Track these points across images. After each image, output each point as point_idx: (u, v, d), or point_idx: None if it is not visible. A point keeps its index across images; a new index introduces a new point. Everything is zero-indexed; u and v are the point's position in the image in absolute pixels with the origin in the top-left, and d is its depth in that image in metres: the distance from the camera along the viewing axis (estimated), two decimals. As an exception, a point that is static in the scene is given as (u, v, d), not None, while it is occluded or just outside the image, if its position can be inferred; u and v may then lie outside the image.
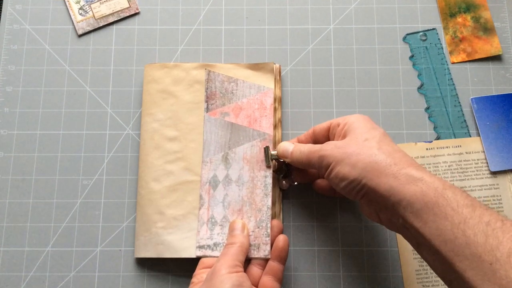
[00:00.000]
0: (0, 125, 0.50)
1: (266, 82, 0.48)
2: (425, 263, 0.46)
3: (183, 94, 0.48)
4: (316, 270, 0.46)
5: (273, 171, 0.46)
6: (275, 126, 0.47)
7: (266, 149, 0.45)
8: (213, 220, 0.45)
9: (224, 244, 0.43)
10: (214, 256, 0.44)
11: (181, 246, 0.44)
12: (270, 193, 0.45)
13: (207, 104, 0.48)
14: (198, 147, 0.47)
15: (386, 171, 0.36)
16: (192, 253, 0.44)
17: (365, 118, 0.41)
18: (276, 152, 0.45)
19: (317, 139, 0.45)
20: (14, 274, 0.47)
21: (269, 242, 0.43)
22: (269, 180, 0.45)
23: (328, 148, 0.39)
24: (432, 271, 0.45)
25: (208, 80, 0.48)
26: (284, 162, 0.46)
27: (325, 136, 0.44)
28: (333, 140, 0.43)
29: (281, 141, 0.47)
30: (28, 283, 0.46)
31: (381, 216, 0.38)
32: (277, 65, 0.49)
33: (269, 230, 0.44)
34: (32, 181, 0.49)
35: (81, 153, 0.50)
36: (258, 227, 0.44)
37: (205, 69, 0.49)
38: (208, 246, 0.44)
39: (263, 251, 0.43)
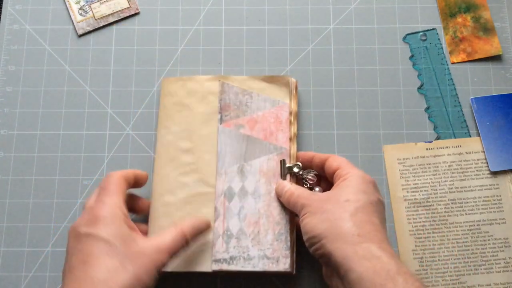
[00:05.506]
0: (0, 125, 0.50)
1: (281, 95, 0.47)
2: (425, 263, 0.46)
3: (196, 105, 0.47)
4: (317, 270, 0.46)
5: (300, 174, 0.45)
6: (290, 140, 0.46)
7: (282, 163, 0.45)
8: (228, 232, 0.44)
9: (241, 257, 0.43)
10: (231, 271, 0.43)
11: (196, 260, 0.43)
12: None
13: (221, 116, 0.47)
14: (212, 159, 0.46)
15: (347, 239, 0.35)
16: (208, 267, 0.43)
17: (365, 180, 0.40)
18: (292, 164, 0.45)
19: (314, 167, 0.45)
20: (14, 274, 0.47)
21: (289, 255, 0.42)
22: None
23: (311, 199, 0.40)
24: (432, 271, 0.45)
25: (222, 92, 0.48)
26: (309, 173, 0.45)
27: (319, 167, 0.44)
28: (328, 174, 0.43)
29: (296, 155, 0.46)
30: (28, 283, 0.46)
31: (333, 283, 0.37)
32: (294, 80, 0.48)
33: (289, 243, 0.43)
34: (32, 181, 0.49)
35: (81, 153, 0.50)
36: (277, 240, 0.43)
37: (219, 80, 0.48)
38: (225, 260, 0.43)
39: (283, 264, 0.42)
